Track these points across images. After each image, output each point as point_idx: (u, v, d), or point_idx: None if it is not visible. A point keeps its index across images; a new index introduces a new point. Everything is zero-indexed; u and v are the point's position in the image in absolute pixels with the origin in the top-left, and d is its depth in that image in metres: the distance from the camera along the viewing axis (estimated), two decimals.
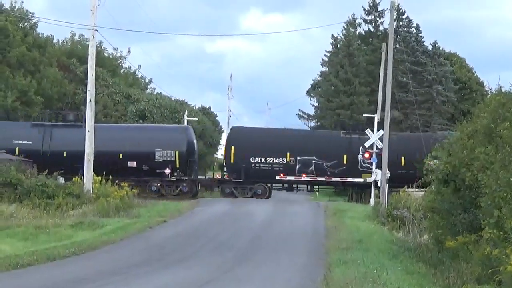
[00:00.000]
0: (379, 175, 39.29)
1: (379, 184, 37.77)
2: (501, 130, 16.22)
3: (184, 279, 16.81)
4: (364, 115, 60.89)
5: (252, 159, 45.52)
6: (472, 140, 18.96)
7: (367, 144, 43.57)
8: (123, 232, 25.51)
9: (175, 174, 44.76)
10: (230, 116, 74.94)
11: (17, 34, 55.61)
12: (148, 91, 75.90)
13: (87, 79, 36.83)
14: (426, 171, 26.74)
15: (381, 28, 73.19)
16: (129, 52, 74.50)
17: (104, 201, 31.97)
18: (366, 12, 73.73)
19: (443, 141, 25.12)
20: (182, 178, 44.92)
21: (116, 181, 36.42)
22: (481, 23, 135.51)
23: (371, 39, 73.43)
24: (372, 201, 41.51)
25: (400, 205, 32.18)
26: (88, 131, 35.49)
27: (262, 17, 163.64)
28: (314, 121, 78.21)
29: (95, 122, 36.31)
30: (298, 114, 78.54)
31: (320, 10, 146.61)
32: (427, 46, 72.83)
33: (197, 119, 63.70)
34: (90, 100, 35.64)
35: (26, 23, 59.97)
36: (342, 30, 75.08)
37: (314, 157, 45.38)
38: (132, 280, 16.52)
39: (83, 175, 35.04)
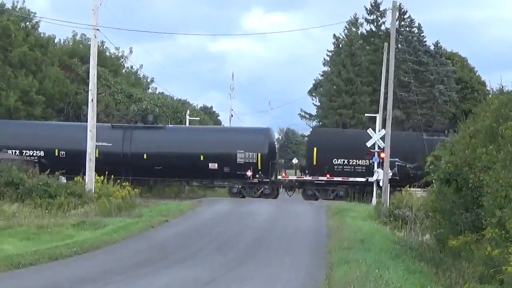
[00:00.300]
0: (380, 175, 39.20)
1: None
2: (503, 130, 16.21)
3: (185, 279, 16.81)
4: (366, 114, 60.97)
5: (335, 160, 45.07)
6: (474, 140, 18.94)
7: (368, 144, 43.39)
8: (125, 232, 25.48)
9: (257, 176, 44.69)
10: (232, 115, 74.94)
11: (19, 34, 55.58)
12: (150, 90, 75.82)
13: (89, 79, 36.86)
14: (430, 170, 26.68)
15: (383, 27, 73.20)
16: (131, 51, 74.24)
17: (106, 201, 31.97)
18: (368, 12, 73.76)
19: (445, 140, 25.11)
20: (264, 180, 44.84)
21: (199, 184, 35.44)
22: (483, 22, 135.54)
23: (373, 39, 73.41)
24: (374, 200, 41.42)
25: (402, 204, 32.16)
26: (90, 130, 35.51)
27: (264, 16, 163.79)
28: (316, 120, 78.25)
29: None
30: (300, 113, 78.67)
31: (322, 10, 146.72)
32: (429, 46, 72.85)
33: (199, 118, 63.74)
34: (92, 100, 35.64)
35: (28, 23, 59.89)
36: (344, 29, 75.21)
37: (397, 159, 43.81)
38: (134, 280, 16.51)
39: (162, 178, 34.87)
